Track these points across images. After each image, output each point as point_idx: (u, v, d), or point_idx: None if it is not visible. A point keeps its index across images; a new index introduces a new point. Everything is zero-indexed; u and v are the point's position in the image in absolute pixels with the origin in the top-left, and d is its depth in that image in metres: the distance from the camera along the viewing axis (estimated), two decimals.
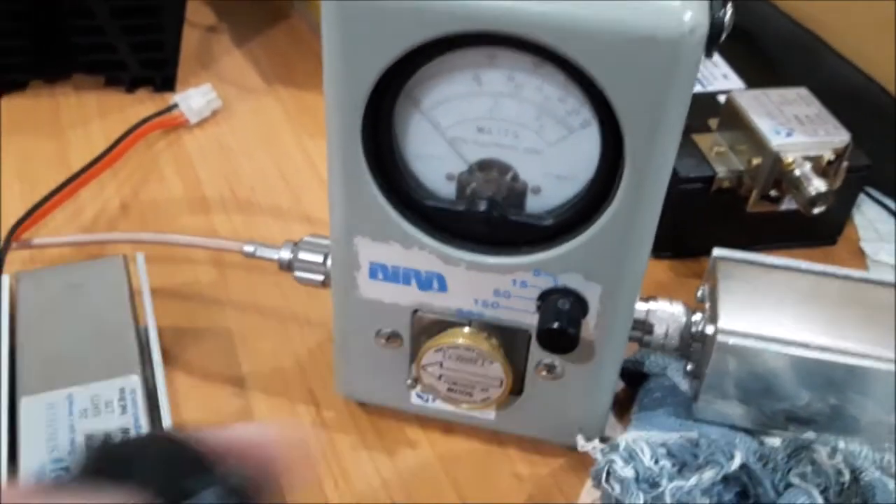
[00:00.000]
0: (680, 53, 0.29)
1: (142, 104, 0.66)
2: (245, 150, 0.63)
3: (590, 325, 0.37)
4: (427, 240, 0.36)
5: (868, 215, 0.57)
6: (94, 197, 0.58)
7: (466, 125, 0.33)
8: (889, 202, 0.57)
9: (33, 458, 0.35)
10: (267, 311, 0.50)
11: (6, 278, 0.44)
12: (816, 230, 0.54)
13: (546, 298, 0.36)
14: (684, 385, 0.42)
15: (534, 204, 0.35)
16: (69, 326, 0.41)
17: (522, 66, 0.31)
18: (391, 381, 0.41)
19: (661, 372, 0.43)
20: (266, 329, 0.49)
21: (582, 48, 0.29)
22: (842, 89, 0.58)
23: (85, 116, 0.65)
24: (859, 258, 0.55)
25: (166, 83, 0.68)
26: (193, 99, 0.64)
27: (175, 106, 0.64)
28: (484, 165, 0.34)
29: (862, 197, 0.58)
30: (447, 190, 0.35)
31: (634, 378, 0.44)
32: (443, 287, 0.37)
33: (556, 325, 0.35)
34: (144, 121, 0.62)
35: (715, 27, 0.31)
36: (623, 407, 0.44)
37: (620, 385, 0.45)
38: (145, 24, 0.65)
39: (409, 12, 0.29)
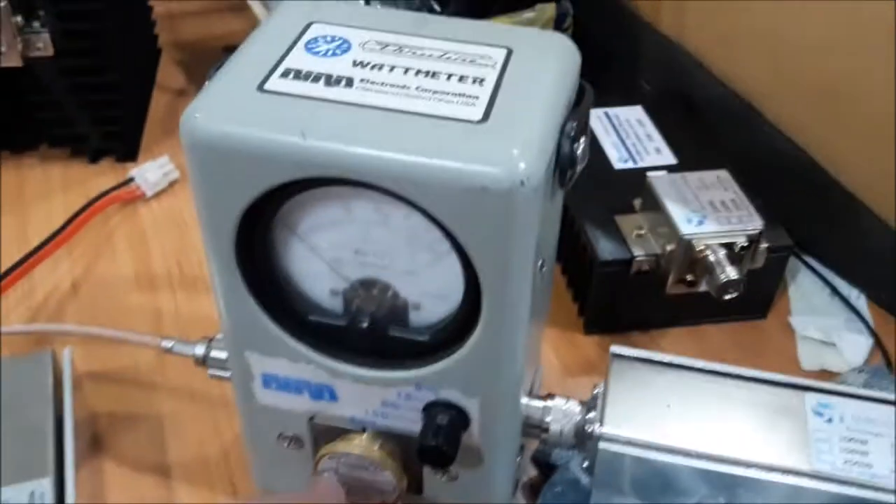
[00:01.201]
0: (514, 203, 0.29)
1: (104, 175, 0.68)
2: (198, 224, 0.64)
3: (474, 433, 0.38)
4: (313, 355, 0.37)
5: (803, 286, 0.57)
6: (48, 275, 0.60)
7: (343, 248, 0.34)
8: (826, 273, 0.58)
9: None
10: (199, 397, 0.51)
11: None
12: (744, 306, 0.54)
13: (428, 411, 0.37)
14: (585, 479, 0.43)
15: (416, 319, 0.36)
16: None
17: (386, 200, 0.32)
18: (299, 478, 0.43)
19: (564, 465, 0.44)
20: (196, 415, 0.50)
21: (423, 195, 0.30)
22: (777, 160, 0.59)
23: (48, 189, 0.67)
24: (789, 332, 0.55)
25: (128, 154, 0.70)
26: (150, 172, 0.66)
27: (131, 180, 0.66)
28: (366, 283, 0.35)
29: (799, 267, 0.58)
30: (333, 303, 0.37)
31: (546, 466, 0.45)
32: (333, 397, 0.38)
33: (432, 443, 0.36)
34: (101, 196, 0.64)
35: (564, 163, 0.32)
36: (536, 491, 0.45)
37: (534, 473, 0.46)
38: (104, 100, 0.67)
39: (257, 161, 0.31)
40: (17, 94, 0.66)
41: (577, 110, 0.33)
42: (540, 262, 0.33)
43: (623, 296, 0.52)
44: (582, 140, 0.32)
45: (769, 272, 0.52)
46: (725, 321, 0.56)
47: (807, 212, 0.57)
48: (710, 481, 0.38)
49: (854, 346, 0.54)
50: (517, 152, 0.29)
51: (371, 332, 0.36)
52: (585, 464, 0.41)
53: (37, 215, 0.65)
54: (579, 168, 0.32)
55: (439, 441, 0.36)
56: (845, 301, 0.57)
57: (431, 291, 0.35)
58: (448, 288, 0.34)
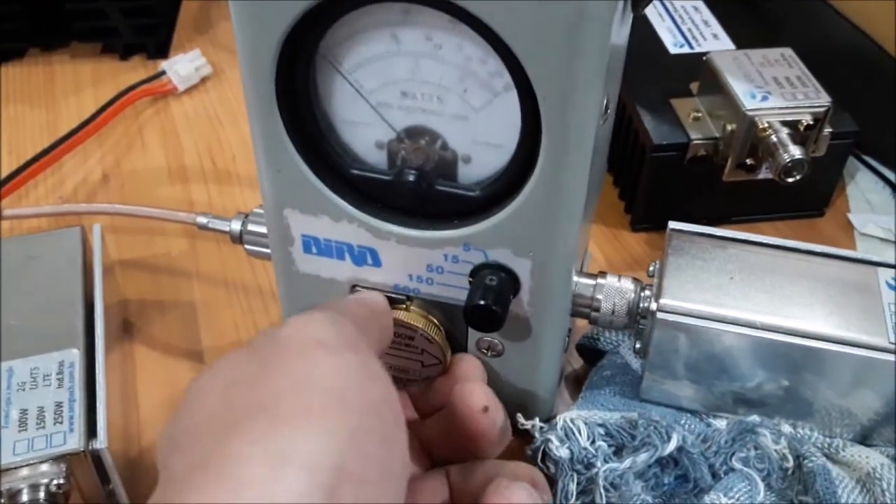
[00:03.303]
0: (584, 11, 0.27)
1: (135, 72, 0.67)
2: (230, 118, 0.62)
3: (524, 301, 0.35)
4: (355, 212, 0.35)
5: (861, 185, 0.54)
6: (78, 165, 0.58)
7: (390, 89, 0.32)
8: (886, 171, 0.55)
9: None
10: (233, 284, 0.50)
11: None
12: (801, 201, 0.52)
13: (476, 275, 0.35)
14: (636, 363, 0.41)
15: (466, 174, 0.34)
16: (22, 298, 0.41)
17: (439, 24, 0.30)
18: None
19: (614, 349, 0.41)
20: (230, 302, 0.49)
21: (486, 6, 0.27)
22: (840, 49, 0.55)
23: (78, 84, 0.66)
24: (847, 230, 0.52)
25: (159, 49, 0.68)
26: (181, 65, 0.64)
27: (163, 73, 0.64)
28: (413, 133, 0.33)
29: (857, 165, 0.55)
30: (378, 158, 0.34)
31: (593, 355, 0.43)
32: (376, 262, 0.36)
33: (480, 302, 0.33)
34: (131, 88, 0.62)
35: None
36: (582, 384, 0.43)
37: (580, 362, 0.44)
38: None
39: None
40: None
41: None
42: (605, 102, 0.31)
43: (676, 185, 0.50)
44: None
45: (831, 162, 0.49)
46: (781, 218, 0.53)
47: (868, 106, 0.54)
48: (772, 362, 0.36)
49: None
50: None
51: (417, 188, 0.34)
52: (637, 345, 0.39)
53: (67, 109, 0.63)
54: None
55: (488, 300, 0.33)
56: None
57: (483, 139, 0.32)
58: (502, 134, 0.32)
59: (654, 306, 0.36)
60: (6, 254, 0.43)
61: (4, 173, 0.56)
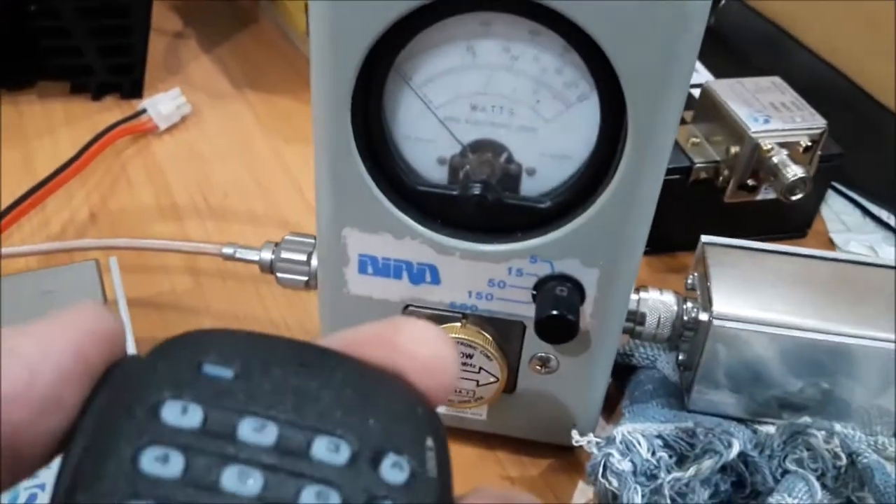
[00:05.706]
0: (686, 12, 0.28)
1: (109, 112, 0.65)
2: (217, 156, 0.61)
3: (586, 313, 0.36)
4: (419, 228, 0.35)
5: (834, 208, 0.58)
6: (62, 206, 0.56)
7: (459, 103, 0.32)
8: (854, 195, 0.58)
9: None
10: (245, 319, 0.49)
11: None
12: (788, 222, 0.54)
13: (542, 287, 0.35)
14: (674, 377, 0.42)
15: (529, 186, 0.34)
16: None
17: (519, 35, 0.30)
18: None
19: (650, 364, 0.42)
20: None
21: (585, 9, 0.28)
22: (809, 81, 0.59)
23: (50, 125, 0.64)
24: (829, 249, 0.55)
25: (134, 89, 0.67)
26: (162, 104, 0.63)
27: (143, 112, 0.63)
28: (477, 147, 0.34)
29: (828, 191, 0.58)
30: (439, 175, 0.34)
31: (621, 371, 0.44)
32: (435, 279, 0.36)
33: (554, 312, 0.34)
34: (112, 127, 0.60)
35: None
36: (609, 402, 0.43)
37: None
38: (113, 26, 0.64)
39: None
40: (21, 19, 0.62)
41: None
42: None
43: (677, 209, 0.51)
44: None
45: (817, 183, 0.52)
46: (768, 239, 0.55)
47: (837, 133, 0.57)
48: (814, 364, 0.38)
49: None
50: None
51: (483, 201, 0.34)
52: (681, 357, 0.41)
53: (42, 150, 0.61)
54: None
55: (562, 310, 0.34)
56: (878, 220, 0.57)
57: (551, 151, 0.33)
58: (572, 146, 0.33)
59: (704, 316, 0.38)
60: (22, 288, 0.42)
61: None
